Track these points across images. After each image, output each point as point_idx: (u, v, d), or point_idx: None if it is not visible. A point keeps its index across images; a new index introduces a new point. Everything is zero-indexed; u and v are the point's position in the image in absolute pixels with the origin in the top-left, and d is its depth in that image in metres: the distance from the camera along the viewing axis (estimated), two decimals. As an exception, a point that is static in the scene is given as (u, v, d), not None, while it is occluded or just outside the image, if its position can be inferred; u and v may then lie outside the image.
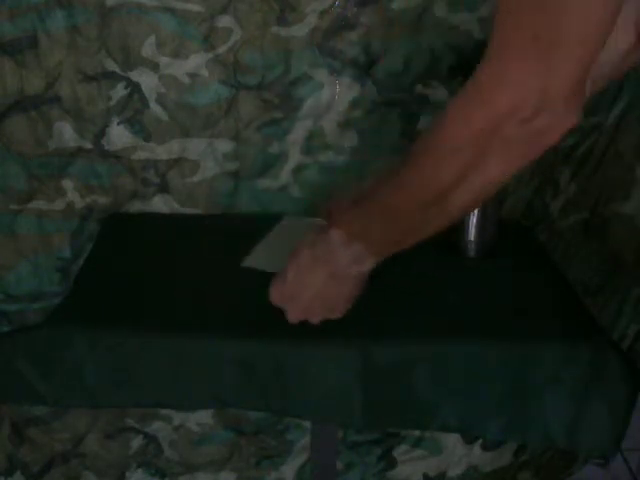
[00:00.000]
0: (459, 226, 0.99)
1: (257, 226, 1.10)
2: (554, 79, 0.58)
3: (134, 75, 1.04)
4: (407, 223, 0.72)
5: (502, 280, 0.96)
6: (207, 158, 1.11)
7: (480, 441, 1.36)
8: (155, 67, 1.03)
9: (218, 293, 0.92)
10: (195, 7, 1.00)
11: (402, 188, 0.70)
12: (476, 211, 0.98)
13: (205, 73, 1.04)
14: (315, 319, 0.82)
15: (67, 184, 1.10)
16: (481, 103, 0.60)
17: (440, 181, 0.66)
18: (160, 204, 1.13)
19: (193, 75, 1.04)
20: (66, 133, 1.06)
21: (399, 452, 1.37)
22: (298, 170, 1.12)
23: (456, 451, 1.37)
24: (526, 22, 0.57)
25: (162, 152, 1.10)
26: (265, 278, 0.92)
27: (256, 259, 0.97)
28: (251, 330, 0.86)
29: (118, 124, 1.07)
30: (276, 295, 0.82)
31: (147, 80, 1.04)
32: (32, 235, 1.13)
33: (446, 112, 0.64)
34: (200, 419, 1.30)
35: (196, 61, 1.03)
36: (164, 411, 1.29)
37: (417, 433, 1.35)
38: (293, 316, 0.82)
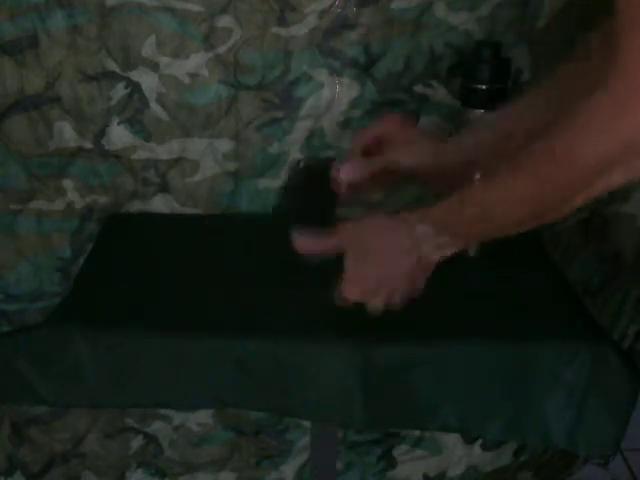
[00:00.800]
0: None
1: (257, 226, 1.10)
2: None
3: (134, 75, 1.04)
4: (509, 224, 0.72)
5: (502, 280, 0.96)
6: (207, 158, 1.11)
7: (480, 441, 1.36)
8: (155, 67, 1.03)
9: (218, 293, 0.92)
10: (195, 7, 1.00)
11: (516, 196, 0.69)
12: None
13: (205, 73, 1.04)
14: (396, 301, 0.80)
15: (67, 184, 1.10)
16: (621, 119, 0.59)
17: (564, 191, 0.66)
18: (160, 204, 1.13)
19: (193, 75, 1.04)
20: (66, 133, 1.06)
21: (399, 452, 1.37)
22: (298, 170, 1.13)
23: (456, 451, 1.37)
24: None
25: (162, 152, 1.10)
26: (266, 278, 0.92)
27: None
28: (251, 330, 0.85)
29: (118, 124, 1.07)
30: (355, 292, 0.80)
31: (147, 80, 1.04)
32: (32, 235, 1.13)
33: (574, 122, 0.63)
34: (200, 419, 1.30)
35: (196, 61, 1.03)
36: (164, 411, 1.29)
37: (417, 433, 1.35)
38: (376, 307, 0.80)
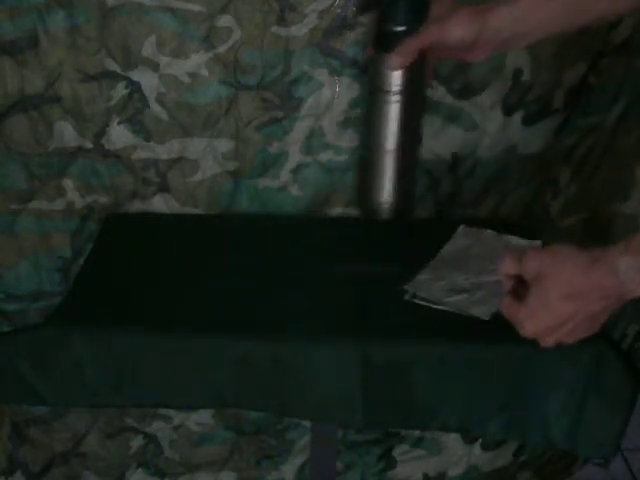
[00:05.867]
0: (371, 185, 0.91)
1: (257, 226, 1.10)
2: None
3: (134, 75, 1.04)
4: None
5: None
6: (207, 158, 1.11)
7: (480, 441, 1.36)
8: (155, 67, 1.03)
9: (218, 293, 0.92)
10: (195, 7, 1.00)
11: None
12: (393, 162, 0.88)
13: (205, 73, 1.04)
14: (572, 340, 0.74)
15: (67, 184, 1.10)
16: None
17: None
18: (160, 204, 1.13)
19: (193, 75, 1.04)
20: (66, 133, 1.06)
21: (399, 452, 1.37)
22: (298, 170, 1.12)
23: (456, 451, 1.37)
24: None
25: (162, 152, 1.10)
26: (266, 278, 0.92)
27: (425, 287, 0.80)
28: (251, 330, 0.86)
29: (118, 124, 1.07)
30: (532, 329, 0.73)
31: (147, 80, 1.04)
32: (32, 235, 1.13)
33: None
34: (200, 419, 1.30)
35: (196, 61, 1.03)
36: (164, 411, 1.29)
37: (417, 433, 1.35)
38: (552, 343, 0.74)
